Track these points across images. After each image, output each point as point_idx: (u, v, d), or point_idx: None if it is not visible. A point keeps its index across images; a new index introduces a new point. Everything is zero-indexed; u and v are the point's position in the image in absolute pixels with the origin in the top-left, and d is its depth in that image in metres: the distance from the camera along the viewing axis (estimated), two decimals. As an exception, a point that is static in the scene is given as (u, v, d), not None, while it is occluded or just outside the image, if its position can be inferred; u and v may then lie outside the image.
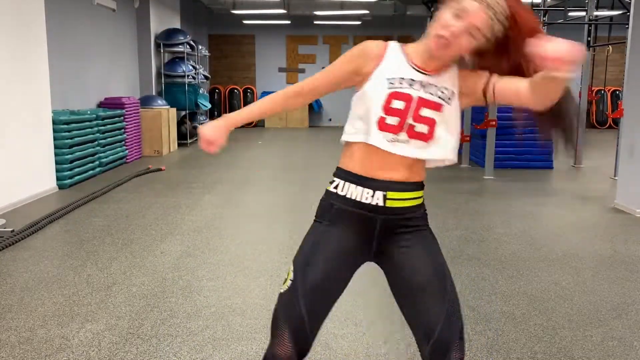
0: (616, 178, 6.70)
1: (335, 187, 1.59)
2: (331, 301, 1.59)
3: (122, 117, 8.35)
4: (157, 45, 10.68)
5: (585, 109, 8.65)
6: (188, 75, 10.77)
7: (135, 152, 8.96)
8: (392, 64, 1.56)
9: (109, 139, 7.81)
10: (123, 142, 8.41)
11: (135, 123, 8.95)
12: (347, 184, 1.57)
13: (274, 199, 6.21)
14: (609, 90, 15.28)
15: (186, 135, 10.77)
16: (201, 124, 11.66)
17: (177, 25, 12.04)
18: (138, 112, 9.12)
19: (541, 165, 8.15)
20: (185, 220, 5.03)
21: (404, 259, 1.57)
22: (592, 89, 14.72)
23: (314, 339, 1.58)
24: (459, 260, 3.95)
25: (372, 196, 1.53)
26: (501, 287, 3.45)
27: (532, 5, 10.86)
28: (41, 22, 6.07)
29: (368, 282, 3.52)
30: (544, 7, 10.24)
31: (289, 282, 1.56)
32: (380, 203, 1.53)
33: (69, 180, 6.50)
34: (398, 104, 1.50)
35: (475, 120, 8.27)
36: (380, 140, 1.51)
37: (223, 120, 1.65)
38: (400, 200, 1.55)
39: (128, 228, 4.76)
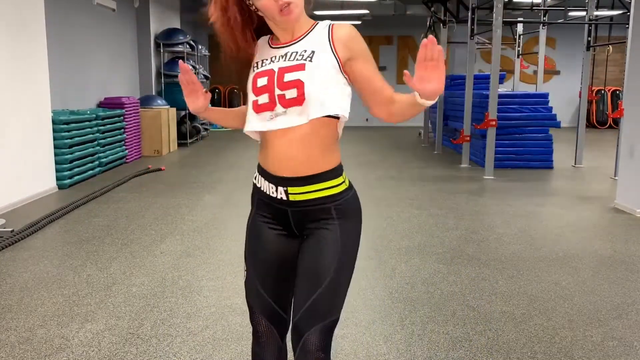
0: (616, 178, 6.70)
1: (255, 179, 1.66)
2: (286, 277, 1.63)
3: (122, 117, 8.35)
4: (157, 45, 10.69)
5: (585, 109, 8.64)
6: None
7: (135, 152, 8.96)
8: (258, 54, 1.61)
9: (109, 139, 7.81)
10: (123, 142, 8.41)
11: (135, 123, 8.95)
12: (260, 176, 1.63)
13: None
14: (609, 90, 15.28)
15: (186, 135, 10.77)
16: (201, 124, 11.68)
17: (177, 25, 12.04)
18: (138, 112, 9.12)
19: (541, 165, 8.15)
20: (185, 220, 5.03)
21: (305, 245, 1.59)
22: (592, 89, 14.80)
23: (289, 315, 1.65)
24: (459, 260, 3.95)
25: (276, 190, 1.57)
26: (501, 287, 3.45)
27: (532, 5, 10.87)
28: (41, 22, 6.07)
29: (368, 282, 3.53)
30: (544, 7, 10.25)
31: (244, 272, 1.69)
32: (284, 197, 1.56)
33: (69, 180, 6.50)
34: (262, 81, 1.53)
35: (475, 120, 8.28)
36: (260, 122, 1.54)
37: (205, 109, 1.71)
38: (304, 193, 1.55)
39: (128, 228, 4.76)
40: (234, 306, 3.13)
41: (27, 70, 5.84)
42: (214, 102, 14.84)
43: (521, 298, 3.29)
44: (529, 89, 13.50)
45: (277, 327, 1.65)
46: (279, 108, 1.50)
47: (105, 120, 7.71)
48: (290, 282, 1.63)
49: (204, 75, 11.99)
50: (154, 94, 10.47)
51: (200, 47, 12.06)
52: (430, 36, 1.33)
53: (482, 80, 9.60)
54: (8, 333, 2.79)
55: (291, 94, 1.48)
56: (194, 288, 3.40)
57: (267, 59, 1.56)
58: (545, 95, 8.68)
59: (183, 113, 10.94)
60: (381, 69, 14.29)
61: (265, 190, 1.60)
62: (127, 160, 8.57)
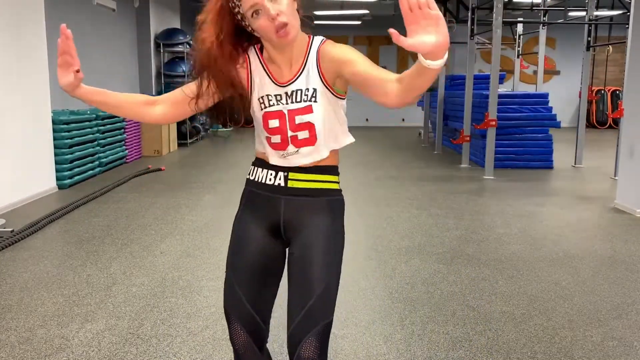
0: (616, 178, 6.70)
1: (249, 173, 1.69)
2: (268, 282, 1.62)
3: (122, 117, 8.35)
4: (157, 45, 10.69)
5: (585, 109, 8.64)
6: (188, 75, 10.76)
7: (135, 152, 8.96)
8: (255, 76, 1.57)
9: (109, 139, 7.81)
10: (123, 142, 8.41)
11: (135, 123, 8.94)
12: (257, 168, 1.65)
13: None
14: (609, 90, 15.29)
15: (186, 135, 10.77)
16: (201, 124, 11.67)
17: (177, 25, 12.05)
18: (138, 112, 9.10)
19: (541, 166, 8.15)
20: (185, 220, 5.03)
21: (293, 252, 1.59)
22: (592, 89, 14.80)
23: (268, 325, 1.64)
24: (459, 260, 3.95)
25: (275, 176, 1.59)
26: (501, 287, 3.45)
27: (532, 5, 10.88)
28: (41, 22, 6.07)
29: (368, 282, 3.53)
30: (544, 7, 10.25)
31: (224, 275, 1.65)
32: (282, 183, 1.58)
33: (69, 180, 6.50)
34: (274, 123, 1.55)
35: (475, 120, 8.28)
36: (276, 159, 1.58)
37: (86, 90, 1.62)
38: (303, 181, 1.58)
39: (128, 228, 4.76)
40: (234, 306, 3.13)
41: (27, 71, 5.83)
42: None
43: (521, 298, 3.29)
44: (529, 89, 13.50)
45: (255, 340, 1.60)
46: (291, 148, 1.56)
47: (105, 120, 7.71)
48: (271, 292, 1.63)
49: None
50: (154, 94, 10.47)
51: (200, 47, 12.05)
52: None
53: (482, 80, 9.61)
54: (8, 333, 2.79)
55: (304, 134, 1.54)
56: (194, 288, 3.40)
57: (271, 97, 1.55)
58: (545, 96, 8.68)
59: (183, 113, 10.93)
60: (381, 69, 14.26)
61: (261, 180, 1.62)
62: (127, 160, 8.57)
